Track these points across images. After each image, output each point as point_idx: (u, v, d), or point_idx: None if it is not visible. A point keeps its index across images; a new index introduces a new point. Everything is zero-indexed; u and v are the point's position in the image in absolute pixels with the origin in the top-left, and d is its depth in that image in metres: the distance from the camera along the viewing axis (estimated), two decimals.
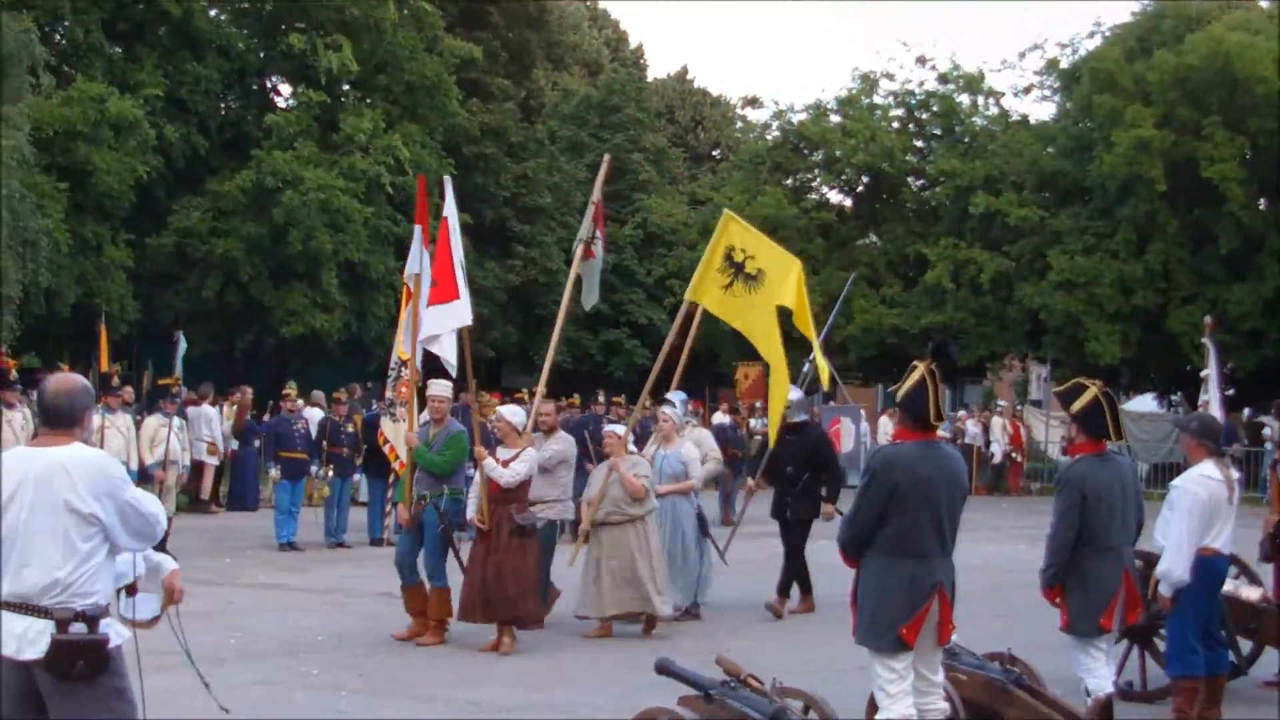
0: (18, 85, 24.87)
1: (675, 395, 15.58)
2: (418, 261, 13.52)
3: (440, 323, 12.96)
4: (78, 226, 29.04)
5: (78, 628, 5.98)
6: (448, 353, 13.15)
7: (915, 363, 7.98)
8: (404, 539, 13.57)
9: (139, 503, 6.29)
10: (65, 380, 6.45)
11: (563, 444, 14.25)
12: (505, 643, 12.56)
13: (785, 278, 13.50)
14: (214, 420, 24.96)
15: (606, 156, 15.82)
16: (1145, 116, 33.51)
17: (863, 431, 33.52)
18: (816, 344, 14.47)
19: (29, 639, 5.96)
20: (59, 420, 6.28)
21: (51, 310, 27.67)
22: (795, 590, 15.31)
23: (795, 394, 15.16)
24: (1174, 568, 9.45)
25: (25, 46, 24.65)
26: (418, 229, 13.64)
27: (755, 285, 13.54)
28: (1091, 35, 39.91)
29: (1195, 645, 9.59)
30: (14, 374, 19.77)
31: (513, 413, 13.48)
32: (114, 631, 6.18)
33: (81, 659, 5.96)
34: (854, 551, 7.87)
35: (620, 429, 14.22)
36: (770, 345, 13.53)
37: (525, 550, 12.75)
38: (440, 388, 13.72)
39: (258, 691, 10.63)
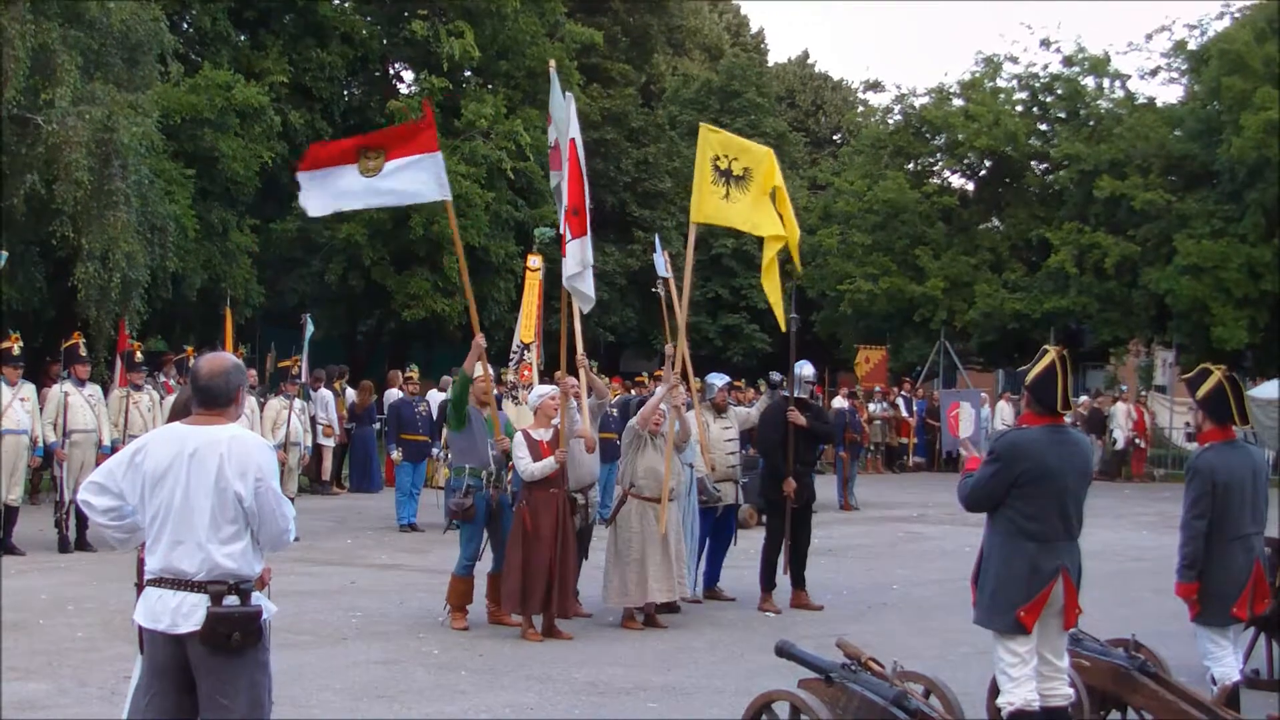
0: (147, 73, 25.20)
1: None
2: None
3: (582, 258, 12.51)
4: (204, 212, 29.38)
5: (231, 601, 6.07)
6: (589, 289, 12.68)
7: (1046, 347, 7.90)
8: (476, 529, 12.90)
9: (281, 502, 6.30)
10: (218, 360, 6.43)
11: None
12: (564, 631, 12.37)
13: (766, 167, 13.57)
14: (329, 403, 25.23)
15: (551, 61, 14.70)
16: (1275, 99, 32.86)
17: (983, 416, 33.27)
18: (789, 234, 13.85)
19: (183, 613, 6.05)
20: (214, 401, 6.29)
21: (178, 294, 28.01)
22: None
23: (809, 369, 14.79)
24: None
25: (154, 35, 24.96)
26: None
27: (745, 184, 13.53)
28: (1220, 17, 39.41)
29: None
30: (139, 356, 20.07)
31: (541, 391, 12.97)
32: (264, 605, 6.27)
33: (237, 631, 6.04)
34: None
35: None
36: (774, 225, 13.48)
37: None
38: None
39: (379, 671, 10.74)
